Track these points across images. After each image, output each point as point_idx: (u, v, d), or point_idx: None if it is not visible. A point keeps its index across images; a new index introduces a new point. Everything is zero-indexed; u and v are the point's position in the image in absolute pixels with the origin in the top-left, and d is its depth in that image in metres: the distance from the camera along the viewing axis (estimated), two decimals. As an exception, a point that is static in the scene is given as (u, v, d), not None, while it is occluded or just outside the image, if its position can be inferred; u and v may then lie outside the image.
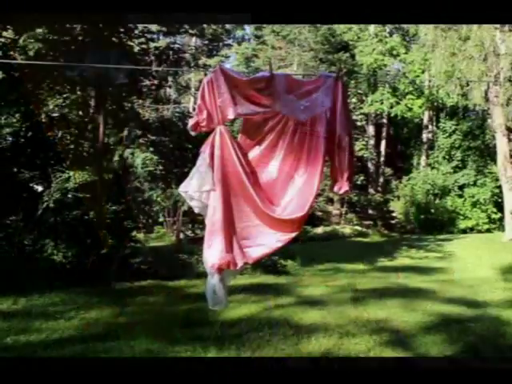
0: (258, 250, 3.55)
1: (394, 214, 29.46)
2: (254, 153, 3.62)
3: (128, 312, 7.88)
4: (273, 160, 3.59)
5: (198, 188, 3.45)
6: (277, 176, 3.58)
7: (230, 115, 3.46)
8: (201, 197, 3.47)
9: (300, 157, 3.55)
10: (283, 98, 3.53)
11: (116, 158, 11.01)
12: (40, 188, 12.02)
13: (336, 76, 3.62)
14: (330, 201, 28.33)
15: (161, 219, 22.51)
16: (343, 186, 3.61)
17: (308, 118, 3.54)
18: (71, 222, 11.06)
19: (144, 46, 12.66)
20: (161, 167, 12.17)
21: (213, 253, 3.43)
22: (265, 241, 3.53)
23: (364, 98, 31.41)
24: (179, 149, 13.32)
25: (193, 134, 3.61)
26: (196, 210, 3.60)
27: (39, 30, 10.20)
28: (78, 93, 12.60)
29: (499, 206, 26.05)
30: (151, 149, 11.24)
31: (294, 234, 3.56)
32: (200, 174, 3.45)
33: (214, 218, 3.44)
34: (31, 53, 10.21)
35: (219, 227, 3.43)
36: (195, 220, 22.72)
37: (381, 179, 33.02)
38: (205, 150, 3.48)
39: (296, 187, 3.55)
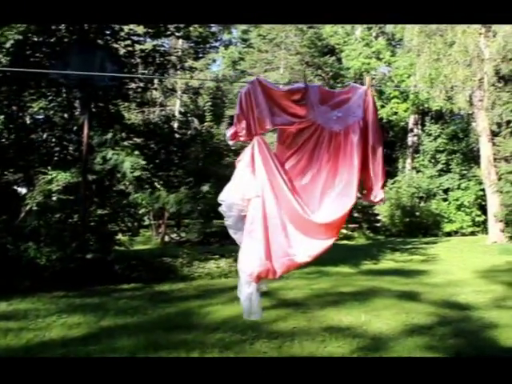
0: (297, 258, 3.57)
1: (379, 217, 29.58)
2: (291, 162, 3.69)
3: (111, 316, 7.84)
4: (310, 169, 3.67)
5: (243, 196, 3.51)
6: (315, 184, 3.66)
7: (268, 125, 3.55)
8: (243, 205, 3.52)
9: (336, 165, 3.64)
10: (317, 109, 3.64)
11: (98, 159, 10.94)
12: (24, 190, 11.95)
13: (366, 87, 3.72)
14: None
15: (147, 222, 22.43)
16: (378, 194, 3.75)
17: (342, 129, 3.64)
18: (55, 225, 11.01)
19: (130, 49, 12.62)
20: (146, 170, 12.12)
21: (251, 261, 3.47)
22: (303, 249, 3.56)
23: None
24: (165, 152, 13.28)
25: (231, 143, 3.68)
26: (229, 221, 3.62)
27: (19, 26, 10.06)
28: (64, 95, 12.57)
29: (483, 209, 26.29)
30: (136, 152, 11.17)
31: (332, 241, 3.63)
32: (243, 182, 3.53)
33: (253, 226, 3.49)
34: (8, 44, 10.05)
35: (259, 235, 3.47)
36: (181, 223, 22.72)
37: (366, 182, 33.12)
38: (244, 159, 3.57)
39: (334, 194, 3.62)
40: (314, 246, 3.58)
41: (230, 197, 3.54)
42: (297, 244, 3.55)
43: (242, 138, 3.58)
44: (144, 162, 11.17)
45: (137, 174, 11.06)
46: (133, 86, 13.38)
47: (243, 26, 31.80)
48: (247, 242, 3.51)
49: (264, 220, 3.48)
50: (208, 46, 29.04)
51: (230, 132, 3.60)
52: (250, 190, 3.50)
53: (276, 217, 3.53)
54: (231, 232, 3.66)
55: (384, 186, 3.79)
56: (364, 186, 3.78)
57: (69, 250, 10.42)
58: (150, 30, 12.51)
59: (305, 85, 3.65)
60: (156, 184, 13.56)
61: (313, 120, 3.63)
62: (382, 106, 30.82)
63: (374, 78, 32.82)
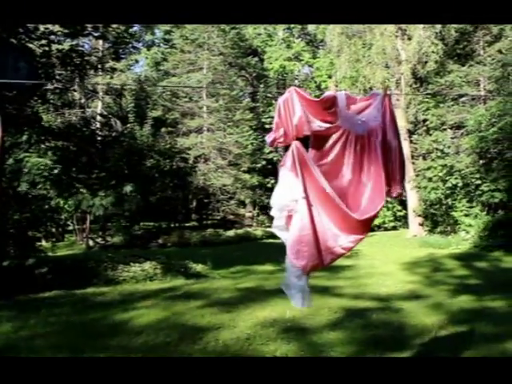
0: (336, 250, 3.91)
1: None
2: (324, 164, 4.00)
3: (31, 325, 7.53)
4: (342, 169, 4.00)
5: (291, 198, 3.78)
6: (348, 183, 3.98)
7: (306, 131, 3.86)
8: (292, 206, 3.78)
9: (363, 164, 3.96)
10: (344, 114, 3.95)
11: (11, 161, 10.54)
12: None
13: (384, 94, 4.02)
14: (242, 204, 28.57)
15: (71, 227, 21.84)
16: (396, 189, 4.04)
17: (365, 132, 3.97)
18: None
19: (46, 48, 12.20)
20: (58, 172, 11.74)
21: (304, 256, 3.78)
22: (341, 242, 3.89)
23: (274, 101, 31.94)
24: (86, 154, 12.94)
25: (270, 148, 3.84)
26: (279, 222, 3.85)
27: None
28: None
29: (403, 205, 27.30)
30: (49, 153, 10.83)
31: (364, 235, 3.98)
32: (289, 184, 3.80)
33: (302, 223, 3.76)
34: None
35: (308, 232, 3.77)
36: (105, 227, 22.26)
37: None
38: (286, 164, 3.84)
39: (367, 191, 3.93)
40: (349, 240, 3.92)
41: (279, 200, 3.82)
42: (336, 238, 3.88)
43: (280, 144, 3.91)
44: (50, 162, 10.81)
45: (44, 174, 10.70)
46: (50, 87, 12.94)
47: (166, 27, 31.49)
48: (297, 238, 3.78)
49: (311, 218, 3.77)
50: (130, 46, 28.61)
51: (270, 138, 3.90)
52: (297, 191, 3.78)
53: (319, 215, 3.83)
54: (277, 232, 3.90)
55: (402, 180, 4.09)
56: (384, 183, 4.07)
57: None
58: (66, 30, 12.12)
59: (333, 93, 3.93)
60: (77, 187, 13.20)
61: (341, 125, 3.96)
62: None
63: (296, 79, 33.40)
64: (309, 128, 3.86)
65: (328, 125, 3.93)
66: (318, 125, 3.89)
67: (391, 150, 3.98)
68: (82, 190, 13.49)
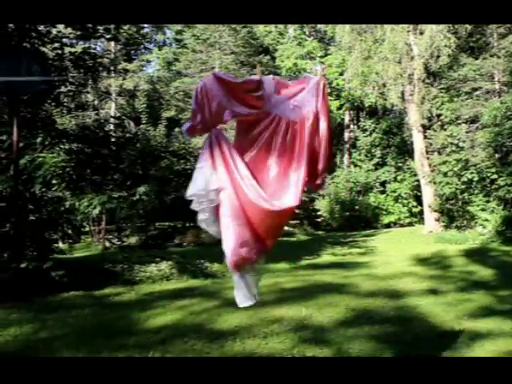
0: (261, 245, 3.73)
1: (319, 213, 30.02)
2: (250, 153, 3.77)
3: (49, 326, 7.61)
4: (269, 159, 3.76)
5: (205, 187, 3.55)
6: (274, 174, 3.75)
7: (226, 117, 3.60)
8: (208, 196, 3.57)
9: (292, 154, 3.74)
10: (273, 99, 3.74)
11: (24, 161, 10.64)
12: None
13: (320, 77, 3.86)
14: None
15: (87, 228, 21.98)
16: (320, 179, 3.90)
17: (298, 117, 3.75)
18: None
19: (58, 51, 12.28)
20: (73, 174, 11.82)
21: (227, 252, 3.60)
22: (264, 236, 3.72)
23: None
24: (100, 156, 13.00)
25: (189, 138, 3.69)
26: (203, 216, 3.64)
27: None
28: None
29: (419, 200, 27.11)
30: (64, 155, 10.91)
31: (283, 227, 4.01)
32: (204, 175, 3.57)
33: (223, 217, 3.59)
34: None
35: (229, 226, 3.58)
36: (121, 228, 22.35)
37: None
38: (204, 152, 3.63)
39: (292, 183, 3.72)
40: (271, 233, 3.78)
41: (194, 191, 3.58)
42: (258, 231, 3.68)
43: (199, 132, 3.66)
44: (60, 159, 10.87)
45: (58, 172, 10.78)
46: (63, 89, 13.03)
47: (177, 27, 31.57)
48: (223, 233, 3.61)
49: (232, 210, 3.58)
50: (141, 47, 28.74)
51: (186, 126, 3.65)
52: (212, 182, 3.56)
53: (238, 207, 3.60)
54: (205, 226, 3.70)
55: (325, 170, 3.89)
56: (309, 172, 3.86)
57: (0, 259, 10.06)
58: (78, 33, 12.19)
59: (260, 76, 3.72)
60: (93, 188, 13.27)
61: (269, 111, 3.73)
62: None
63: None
64: (231, 114, 3.60)
65: (254, 110, 3.69)
66: (243, 110, 3.65)
67: (320, 137, 3.79)
68: (96, 191, 13.53)
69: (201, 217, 3.66)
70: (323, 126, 3.78)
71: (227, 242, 3.59)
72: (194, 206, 3.63)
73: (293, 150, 3.74)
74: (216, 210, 3.63)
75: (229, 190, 3.58)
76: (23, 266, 10.24)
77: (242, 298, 3.72)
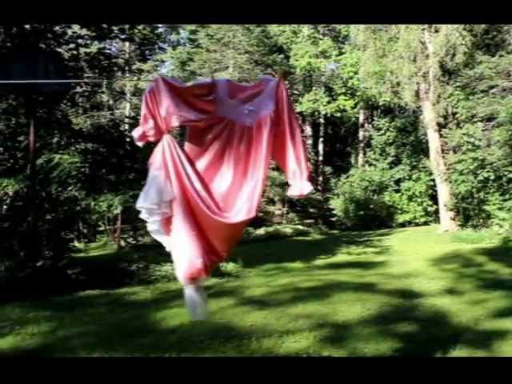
0: (214, 256, 3.61)
1: (334, 212, 29.94)
2: (202, 161, 3.60)
3: (66, 325, 7.67)
4: (222, 167, 3.60)
5: (159, 199, 3.38)
6: (228, 183, 3.58)
7: (174, 123, 3.40)
8: (161, 208, 3.41)
9: (248, 162, 3.57)
10: (226, 104, 3.55)
11: (41, 161, 10.73)
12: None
13: (278, 79, 3.69)
14: (271, 201, 28.55)
15: (102, 228, 22.13)
16: (305, 187, 3.69)
17: (254, 122, 3.57)
18: (3, 233, 10.73)
19: (74, 52, 12.37)
20: (88, 173, 11.90)
21: (181, 265, 3.47)
22: (216, 248, 3.59)
23: (300, 98, 31.86)
24: (115, 156, 13.07)
25: (139, 144, 3.50)
26: (153, 226, 3.51)
27: None
28: (9, 102, 12.25)
29: (434, 199, 26.90)
30: (80, 155, 10.99)
31: (238, 239, 3.75)
32: (157, 185, 3.38)
33: (174, 229, 3.44)
34: None
35: (183, 237, 3.43)
36: (137, 227, 22.44)
37: (320, 178, 33.55)
38: (155, 161, 3.43)
39: (246, 192, 3.55)
40: (226, 244, 3.63)
41: (147, 202, 3.41)
42: (211, 243, 3.55)
43: (150, 139, 3.45)
44: (76, 159, 10.96)
45: (73, 173, 10.86)
46: (79, 90, 13.14)
47: (191, 26, 31.62)
48: (174, 246, 3.48)
49: (185, 221, 3.42)
50: (156, 47, 28.83)
51: (137, 133, 3.44)
52: (166, 192, 3.39)
53: (191, 218, 3.46)
54: (156, 236, 3.57)
55: (310, 176, 3.72)
56: (289, 180, 3.74)
57: (17, 258, 10.16)
58: (93, 34, 12.27)
59: (211, 79, 3.61)
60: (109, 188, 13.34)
61: (222, 115, 3.55)
62: (329, 102, 31.27)
63: (323, 75, 33.21)
64: (180, 119, 3.40)
65: (205, 115, 3.50)
66: (192, 115, 3.45)
67: (293, 142, 3.64)
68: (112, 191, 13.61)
69: (151, 227, 3.52)
70: (290, 129, 3.64)
71: (182, 254, 3.46)
72: (144, 217, 3.48)
73: (248, 157, 3.58)
74: (166, 220, 3.49)
75: (182, 201, 3.42)
76: (39, 264, 10.34)
77: (196, 313, 3.63)
